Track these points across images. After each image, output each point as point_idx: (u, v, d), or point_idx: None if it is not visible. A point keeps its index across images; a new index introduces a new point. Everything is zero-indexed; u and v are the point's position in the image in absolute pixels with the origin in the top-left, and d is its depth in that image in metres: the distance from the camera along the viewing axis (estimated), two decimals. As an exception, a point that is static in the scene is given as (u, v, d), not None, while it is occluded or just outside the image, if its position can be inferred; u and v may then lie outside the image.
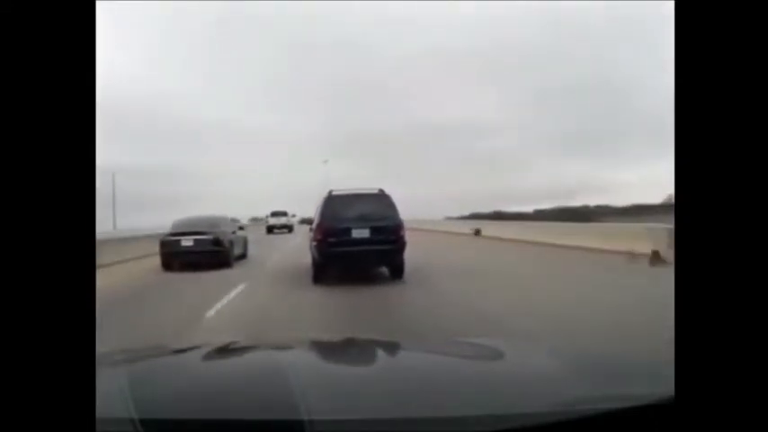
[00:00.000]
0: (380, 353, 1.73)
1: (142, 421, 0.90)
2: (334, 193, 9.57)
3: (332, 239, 9.03)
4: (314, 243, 9.37)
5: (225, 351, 1.72)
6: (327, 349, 1.81)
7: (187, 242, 12.63)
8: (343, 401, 1.09)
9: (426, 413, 1.00)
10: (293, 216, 39.80)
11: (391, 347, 1.86)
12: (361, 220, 9.12)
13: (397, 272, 9.48)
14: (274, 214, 38.57)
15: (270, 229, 36.47)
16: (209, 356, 1.64)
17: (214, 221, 13.81)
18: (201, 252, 12.56)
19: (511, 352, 1.73)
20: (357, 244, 9.01)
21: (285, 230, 35.93)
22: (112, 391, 1.05)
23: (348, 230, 9.02)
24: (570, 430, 0.92)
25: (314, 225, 9.68)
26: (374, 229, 9.06)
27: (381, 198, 9.54)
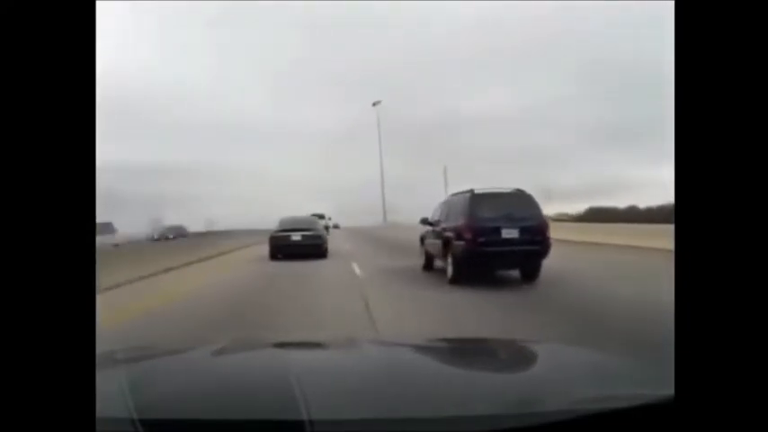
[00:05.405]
0: (381, 353, 1.73)
1: (142, 421, 0.90)
2: (476, 191, 9.23)
3: (482, 239, 8.67)
4: (460, 243, 8.91)
5: (225, 351, 1.72)
6: (328, 349, 1.81)
7: (296, 237, 15.64)
8: (344, 401, 1.09)
9: (427, 413, 1.00)
10: (329, 219, 37.79)
11: (392, 347, 1.86)
12: (510, 220, 8.79)
13: (532, 274, 9.06)
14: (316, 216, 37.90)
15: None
16: (209, 356, 1.64)
17: (311, 221, 17.71)
18: (308, 245, 15.46)
19: (511, 352, 1.73)
20: (506, 244, 8.67)
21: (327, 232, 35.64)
22: (112, 391, 1.05)
23: (498, 230, 8.71)
24: (570, 430, 0.92)
25: (457, 224, 9.19)
26: (522, 229, 8.73)
27: (523, 197, 9.22)
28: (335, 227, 47.99)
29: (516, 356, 1.66)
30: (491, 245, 8.65)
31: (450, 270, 9.25)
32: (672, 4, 1.02)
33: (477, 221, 8.81)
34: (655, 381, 1.17)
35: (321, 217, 37.62)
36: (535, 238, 8.79)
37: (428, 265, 11.25)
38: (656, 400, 0.96)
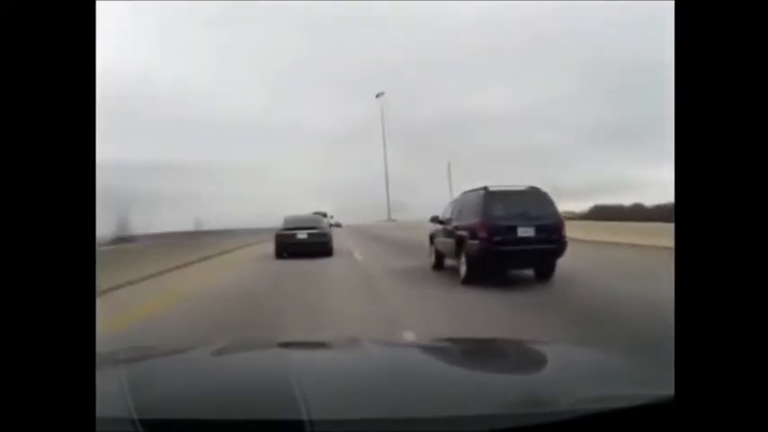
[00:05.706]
0: (381, 353, 1.73)
1: (142, 421, 0.90)
2: (491, 188, 8.94)
3: (497, 238, 8.35)
4: (475, 242, 8.61)
5: (225, 351, 1.72)
6: (328, 349, 1.81)
7: (302, 235, 15.79)
8: (344, 401, 1.09)
9: (427, 413, 1.00)
10: (331, 217, 36.97)
11: (392, 347, 1.86)
12: (525, 218, 8.51)
13: (547, 273, 8.86)
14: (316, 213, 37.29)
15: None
16: (209, 356, 1.64)
17: (317, 219, 17.89)
18: (314, 243, 15.58)
19: (511, 352, 1.73)
20: (522, 243, 8.38)
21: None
22: (112, 391, 1.05)
23: (514, 229, 8.42)
24: (570, 430, 0.92)
25: (472, 222, 8.89)
26: (538, 228, 8.46)
27: (539, 194, 8.98)
28: (337, 225, 46.92)
29: (518, 357, 1.66)
30: (507, 244, 8.36)
31: (463, 270, 8.95)
32: (672, 4, 1.02)
33: (493, 220, 8.53)
34: (655, 381, 1.17)
35: (324, 215, 37.72)
36: (551, 236, 8.55)
37: (438, 265, 11.02)
38: (656, 400, 0.96)
